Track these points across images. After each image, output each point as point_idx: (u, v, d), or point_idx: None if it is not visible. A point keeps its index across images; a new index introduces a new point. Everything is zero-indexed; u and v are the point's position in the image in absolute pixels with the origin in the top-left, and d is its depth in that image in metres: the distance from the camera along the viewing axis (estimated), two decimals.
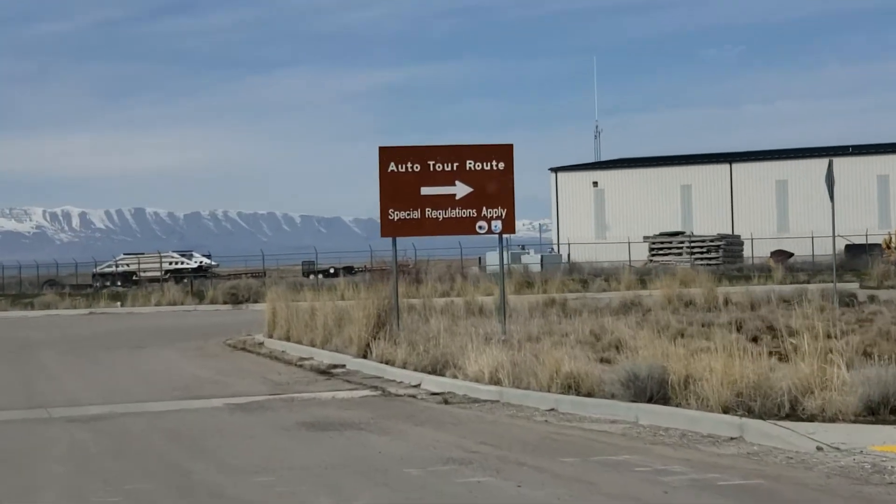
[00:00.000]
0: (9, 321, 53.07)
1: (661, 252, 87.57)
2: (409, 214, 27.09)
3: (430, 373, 22.05)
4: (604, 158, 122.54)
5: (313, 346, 28.58)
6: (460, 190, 27.15)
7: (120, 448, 15.62)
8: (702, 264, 76.07)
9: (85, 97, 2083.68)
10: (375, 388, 21.73)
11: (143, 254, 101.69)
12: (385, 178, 27.10)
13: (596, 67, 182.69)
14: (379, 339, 25.19)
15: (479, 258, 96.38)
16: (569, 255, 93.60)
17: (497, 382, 19.61)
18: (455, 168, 27.14)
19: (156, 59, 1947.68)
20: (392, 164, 27.08)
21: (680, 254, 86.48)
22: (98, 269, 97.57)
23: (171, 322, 46.19)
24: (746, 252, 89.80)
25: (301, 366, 26.19)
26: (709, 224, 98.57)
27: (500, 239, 28.00)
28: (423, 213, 27.05)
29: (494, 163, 27.30)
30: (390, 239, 27.61)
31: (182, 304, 59.16)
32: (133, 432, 17.02)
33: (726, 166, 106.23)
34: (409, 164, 27.12)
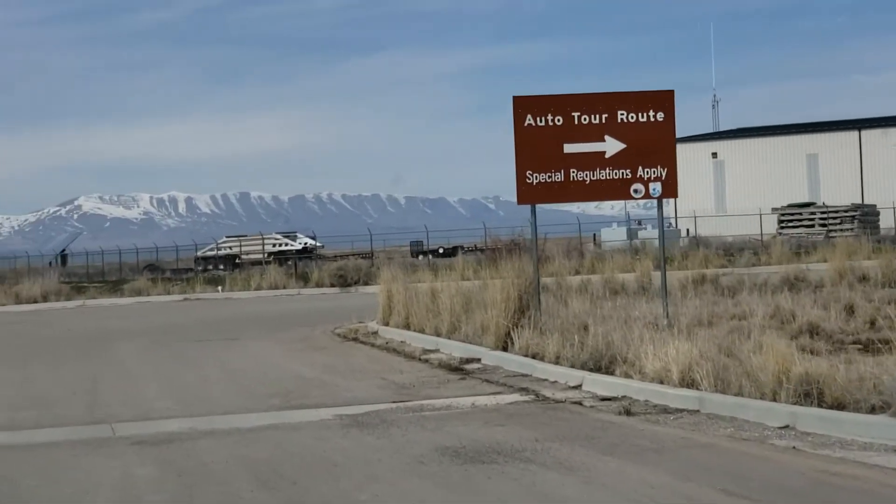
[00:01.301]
0: (96, 309, 49.09)
1: (790, 224, 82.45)
2: (549, 177, 22.70)
3: (592, 370, 17.47)
4: (722, 129, 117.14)
5: (438, 335, 24.08)
6: (611, 146, 22.90)
7: (188, 496, 11.11)
8: (835, 236, 70.87)
9: (190, 83, 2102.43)
10: (525, 390, 17.18)
11: (245, 236, 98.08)
12: (521, 133, 22.71)
13: (713, 36, 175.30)
14: (521, 326, 20.62)
15: (594, 235, 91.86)
16: (695, 229, 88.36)
17: (692, 385, 14.92)
18: (604, 120, 22.94)
19: (259, 43, 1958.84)
20: (529, 117, 22.73)
21: (812, 225, 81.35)
22: (200, 253, 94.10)
23: (273, 308, 41.81)
24: (883, 223, 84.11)
25: (426, 361, 21.67)
26: (837, 194, 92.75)
27: (660, 204, 23.56)
28: (566, 175, 22.76)
29: (652, 113, 23.01)
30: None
31: (285, 287, 54.93)
32: (211, 466, 12.46)
33: (854, 133, 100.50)
34: (550, 117, 22.78)
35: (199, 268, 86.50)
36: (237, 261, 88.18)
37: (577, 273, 43.03)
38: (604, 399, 15.84)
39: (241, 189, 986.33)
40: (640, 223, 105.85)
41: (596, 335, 18.52)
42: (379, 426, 14.59)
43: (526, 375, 18.70)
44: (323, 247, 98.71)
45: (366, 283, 51.71)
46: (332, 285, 53.89)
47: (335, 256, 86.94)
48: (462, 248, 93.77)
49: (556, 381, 17.69)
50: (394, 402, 16.69)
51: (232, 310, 42.46)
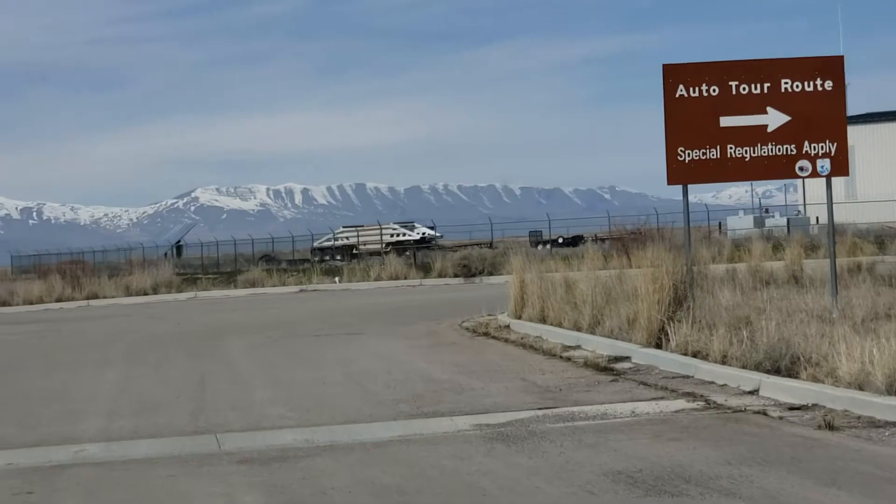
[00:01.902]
0: (208, 302, 47.42)
1: None
2: (704, 154, 20.50)
3: (769, 372, 15.07)
4: (852, 113, 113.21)
5: (578, 329, 21.76)
6: (773, 119, 20.73)
7: None
8: None
9: (306, 75, 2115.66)
10: (691, 395, 14.83)
11: (362, 226, 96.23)
12: (672, 105, 20.49)
13: (841, 18, 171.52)
14: (678, 321, 18.22)
15: (720, 223, 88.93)
16: (830, 217, 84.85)
17: None
18: (766, 90, 20.82)
19: (373, 34, 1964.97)
20: (681, 87, 20.51)
21: None
22: (316, 244, 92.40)
23: (394, 300, 39.69)
24: None
25: (568, 359, 19.35)
26: None
27: (828, 184, 21.18)
28: (723, 151, 20.59)
29: (819, 82, 20.71)
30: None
31: (405, 278, 52.75)
32: (331, 496, 10.27)
33: None
34: (705, 87, 20.59)
35: (316, 258, 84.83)
36: (354, 251, 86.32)
37: (714, 261, 40.43)
38: (792, 408, 13.42)
39: (357, 180, 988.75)
40: (767, 211, 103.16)
41: (768, 330, 16.11)
42: (528, 440, 12.33)
43: (687, 377, 16.34)
44: (442, 237, 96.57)
45: (490, 274, 49.54)
46: (456, 275, 51.65)
47: (453, 247, 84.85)
48: (582, 237, 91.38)
49: (725, 385, 15.31)
50: (539, 408, 14.43)
51: (351, 302, 40.39)
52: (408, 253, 71.35)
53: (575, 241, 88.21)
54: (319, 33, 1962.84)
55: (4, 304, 49.32)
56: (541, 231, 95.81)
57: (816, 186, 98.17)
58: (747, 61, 21.00)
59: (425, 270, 54.61)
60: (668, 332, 18.08)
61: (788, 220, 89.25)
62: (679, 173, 20.51)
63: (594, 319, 21.51)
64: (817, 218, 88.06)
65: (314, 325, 29.69)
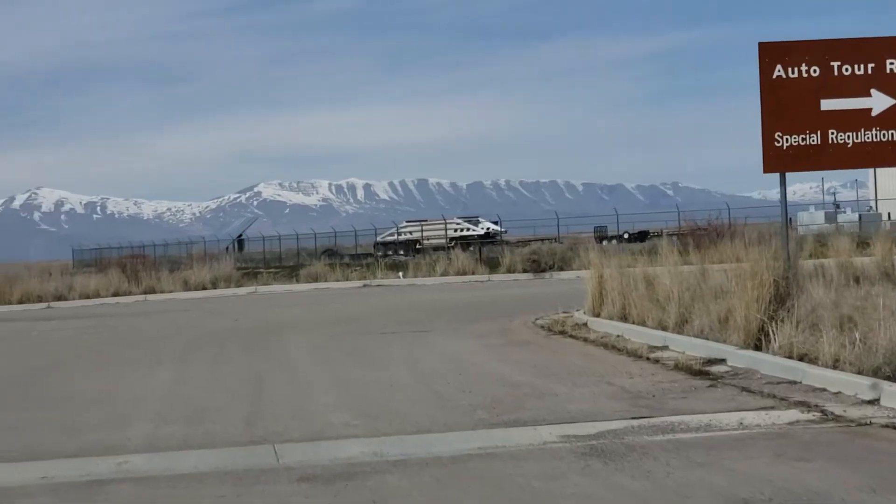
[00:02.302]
0: (269, 297, 46.12)
1: None
2: (803, 139, 18.86)
3: (889, 378, 13.43)
4: None
5: (664, 329, 20.17)
6: (878, 102, 19.46)
7: None
8: None
9: (369, 71, 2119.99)
10: (804, 405, 13.22)
11: (426, 220, 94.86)
12: (768, 87, 19.01)
13: None
14: (779, 320, 16.60)
15: (790, 219, 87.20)
16: None
17: None
18: (871, 71, 19.49)
19: (438, 30, 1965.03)
20: (778, 67, 19.01)
21: None
22: (379, 238, 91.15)
23: (462, 296, 38.20)
24: None
25: (656, 361, 17.78)
26: None
27: None
28: (824, 136, 19.05)
29: None
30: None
31: (473, 273, 51.29)
32: None
33: None
34: (804, 68, 19.05)
35: (379, 253, 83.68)
36: (417, 246, 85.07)
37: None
38: None
39: (420, 175, 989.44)
40: (838, 206, 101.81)
41: (887, 331, 14.49)
42: (627, 457, 10.81)
43: (794, 383, 14.72)
44: (506, 232, 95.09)
45: (560, 269, 48.18)
46: (525, 271, 50.16)
47: (518, 242, 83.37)
48: (648, 233, 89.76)
49: (839, 393, 13.69)
50: (633, 417, 12.89)
51: (416, 297, 38.93)
52: (472, 248, 69.90)
53: (641, 236, 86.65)
54: (384, 29, 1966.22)
55: (60, 298, 48.25)
56: (605, 226, 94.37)
57: (888, 182, 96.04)
58: (851, 40, 19.50)
59: (492, 266, 53.16)
60: (770, 332, 16.48)
61: (860, 215, 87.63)
62: (776, 161, 19.03)
63: (681, 318, 19.93)
64: (889, 214, 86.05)
65: (379, 321, 28.25)
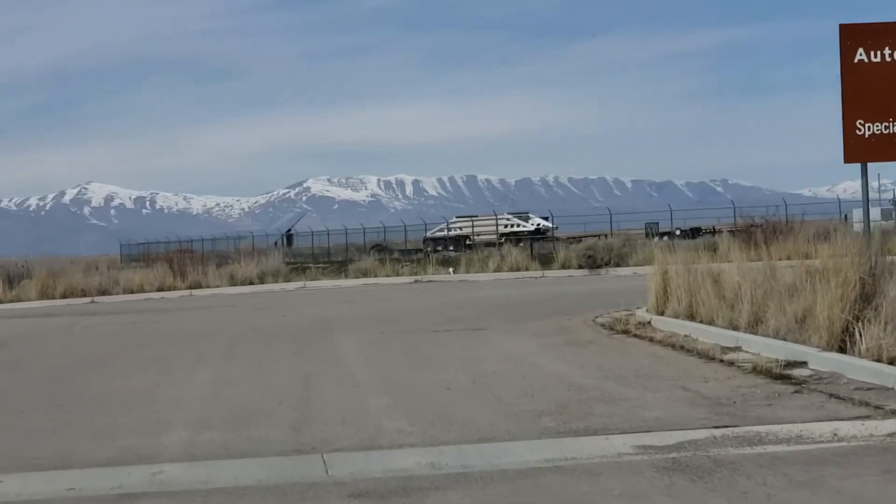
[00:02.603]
0: (317, 292, 45.10)
1: None
2: (887, 127, 17.63)
3: None
4: None
5: (734, 328, 18.97)
6: None
7: None
8: None
9: (417, 67, 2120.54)
10: None
11: (476, 216, 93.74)
12: (850, 72, 17.84)
13: None
14: (866, 320, 15.39)
15: (845, 216, 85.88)
16: None
17: None
18: None
19: (487, 26, 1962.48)
20: (860, 51, 17.83)
21: None
22: (429, 234, 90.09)
23: (516, 292, 37.08)
24: None
25: (731, 363, 16.57)
26: None
27: None
28: None
29: None
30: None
31: (526, 269, 50.20)
32: None
33: None
34: (888, 52, 17.70)
35: (429, 248, 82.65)
36: (467, 242, 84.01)
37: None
38: None
39: (468, 172, 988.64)
40: (895, 203, 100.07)
41: None
42: (715, 473, 9.68)
43: (886, 389, 13.51)
44: (557, 228, 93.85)
45: (617, 265, 47.10)
46: (580, 267, 49.08)
47: (569, 238, 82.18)
48: (701, 229, 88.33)
49: None
50: (715, 426, 11.74)
51: (469, 294, 37.81)
52: (522, 244, 68.79)
53: (694, 233, 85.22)
54: (434, 25, 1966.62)
55: (105, 292, 47.35)
56: (657, 222, 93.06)
57: None
58: None
59: (545, 262, 52.05)
60: (856, 333, 15.27)
61: None
62: (858, 150, 17.87)
63: (753, 317, 18.74)
64: None
65: (432, 319, 27.15)
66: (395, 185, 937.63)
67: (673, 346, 19.03)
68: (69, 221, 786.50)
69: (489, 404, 13.96)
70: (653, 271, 23.71)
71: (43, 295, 46.33)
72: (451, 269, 52.01)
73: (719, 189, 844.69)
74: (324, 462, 10.96)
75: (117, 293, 47.41)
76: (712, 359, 17.08)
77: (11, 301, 46.14)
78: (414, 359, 19.12)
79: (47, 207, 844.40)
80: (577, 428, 12.08)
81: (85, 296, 46.43)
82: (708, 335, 19.27)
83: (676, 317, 21.59)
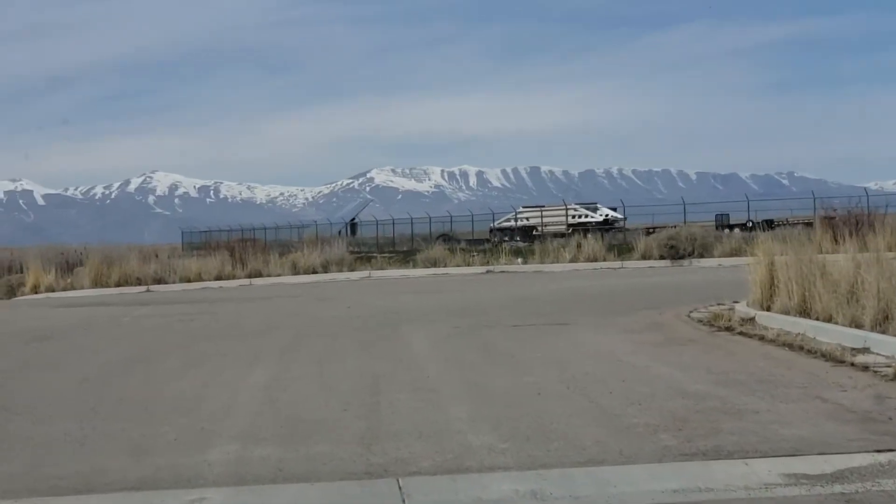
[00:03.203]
0: (384, 282, 43.17)
1: None
2: None
3: None
4: None
5: (858, 326, 16.70)
6: None
7: None
8: None
9: (482, 59, 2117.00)
10: None
11: (544, 206, 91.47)
12: None
13: None
14: None
15: None
16: None
17: None
18: None
19: (551, 18, 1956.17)
20: None
21: None
22: (496, 224, 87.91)
23: (595, 284, 34.81)
24: None
25: (864, 367, 14.32)
26: None
27: None
28: None
29: None
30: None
31: (603, 259, 48.00)
32: None
33: None
34: None
35: (495, 239, 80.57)
36: (534, 232, 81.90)
37: None
38: None
39: (532, 163, 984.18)
40: None
41: None
42: None
43: None
44: (625, 219, 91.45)
45: (701, 256, 44.82)
46: (661, 257, 46.76)
47: (641, 229, 79.85)
48: (773, 222, 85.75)
49: None
50: (877, 450, 9.62)
51: (545, 285, 35.55)
52: (590, 235, 66.66)
53: (767, 224, 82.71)
54: (500, 17, 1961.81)
55: (160, 281, 45.45)
56: (727, 213, 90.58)
57: None
58: None
59: (622, 252, 49.78)
60: None
61: None
62: None
63: (881, 314, 16.48)
64: None
65: (508, 312, 24.96)
66: (458, 177, 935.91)
67: (790, 346, 16.77)
68: (134, 210, 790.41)
69: (591, 415, 11.82)
70: (755, 262, 21.40)
71: (96, 283, 44.55)
72: (519, 259, 49.96)
73: (785, 182, 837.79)
74: (399, 489, 8.94)
75: (173, 282, 45.55)
76: (841, 362, 14.85)
77: (65, 289, 44.45)
78: (495, 358, 16.94)
79: (112, 196, 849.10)
80: (704, 448, 9.95)
81: (140, 284, 44.61)
82: (828, 334, 16.98)
83: (786, 313, 19.31)
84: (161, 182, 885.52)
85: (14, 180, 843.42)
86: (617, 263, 46.78)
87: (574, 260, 48.00)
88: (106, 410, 13.44)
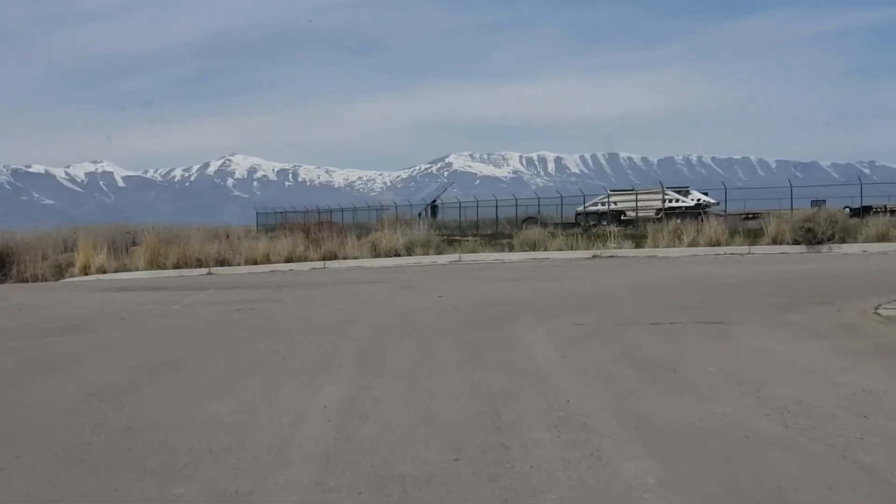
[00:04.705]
0: (475, 267, 38.71)
1: None
2: None
3: None
4: None
5: None
6: None
7: None
8: None
9: (561, 44, 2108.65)
10: None
11: (632, 190, 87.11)
12: None
13: None
14: None
15: None
16: None
17: None
18: None
19: (632, 3, 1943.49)
20: None
21: None
22: (583, 207, 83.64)
23: (728, 271, 29.84)
24: None
25: None
26: None
27: None
28: None
29: None
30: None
31: (726, 244, 43.62)
32: None
33: None
34: None
35: (582, 223, 76.49)
36: (623, 217, 77.78)
37: None
38: None
39: (610, 149, 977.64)
40: None
41: None
42: None
43: None
44: (717, 204, 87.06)
45: (842, 241, 40.39)
46: (796, 242, 42.13)
47: (746, 215, 75.45)
48: (871, 208, 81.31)
49: None
50: None
51: (668, 272, 30.78)
52: (678, 221, 62.48)
53: (865, 211, 78.73)
54: (579, 1, 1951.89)
55: (223, 263, 41.12)
56: (823, 200, 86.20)
57: None
58: None
59: (746, 236, 45.34)
60: None
61: None
62: None
63: None
64: None
65: (639, 305, 20.21)
66: (536, 162, 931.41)
67: None
68: (213, 193, 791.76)
69: (848, 479, 7.28)
70: None
71: (152, 264, 40.37)
72: (630, 243, 45.75)
73: (866, 170, 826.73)
74: None
75: (238, 264, 41.31)
76: None
77: (117, 270, 40.26)
78: (650, 371, 12.22)
79: (192, 179, 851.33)
80: None
81: (201, 266, 40.42)
82: None
83: None
84: (240, 165, 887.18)
85: (95, 162, 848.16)
86: (743, 248, 42.27)
87: (693, 244, 43.48)
88: (102, 449, 9.12)
